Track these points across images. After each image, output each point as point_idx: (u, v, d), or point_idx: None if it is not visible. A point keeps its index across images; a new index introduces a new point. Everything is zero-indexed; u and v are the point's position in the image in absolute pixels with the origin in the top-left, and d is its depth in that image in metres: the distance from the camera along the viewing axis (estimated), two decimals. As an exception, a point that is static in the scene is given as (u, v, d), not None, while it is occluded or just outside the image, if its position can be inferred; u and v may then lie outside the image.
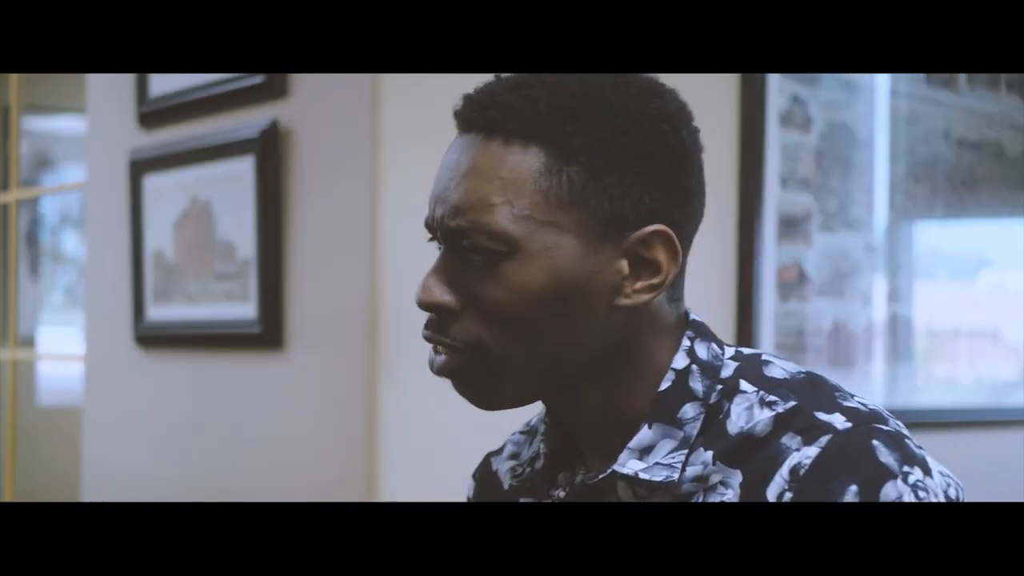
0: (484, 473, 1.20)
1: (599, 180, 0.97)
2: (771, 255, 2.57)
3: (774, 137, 2.57)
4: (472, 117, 1.00)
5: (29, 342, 4.26)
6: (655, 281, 1.00)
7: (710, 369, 1.02)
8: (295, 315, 2.29)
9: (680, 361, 1.02)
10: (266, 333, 2.31)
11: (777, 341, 2.57)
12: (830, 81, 2.68)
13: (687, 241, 1.02)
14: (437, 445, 2.18)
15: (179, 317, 2.54)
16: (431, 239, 1.04)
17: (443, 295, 1.00)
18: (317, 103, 2.26)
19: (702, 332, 1.04)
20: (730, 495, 0.97)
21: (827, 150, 2.68)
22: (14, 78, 3.74)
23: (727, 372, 1.02)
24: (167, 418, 2.61)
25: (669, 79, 1.05)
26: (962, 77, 2.96)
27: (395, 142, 2.15)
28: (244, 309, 2.36)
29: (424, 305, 1.01)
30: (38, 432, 4.11)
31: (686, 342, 1.02)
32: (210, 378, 2.48)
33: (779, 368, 1.02)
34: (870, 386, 2.81)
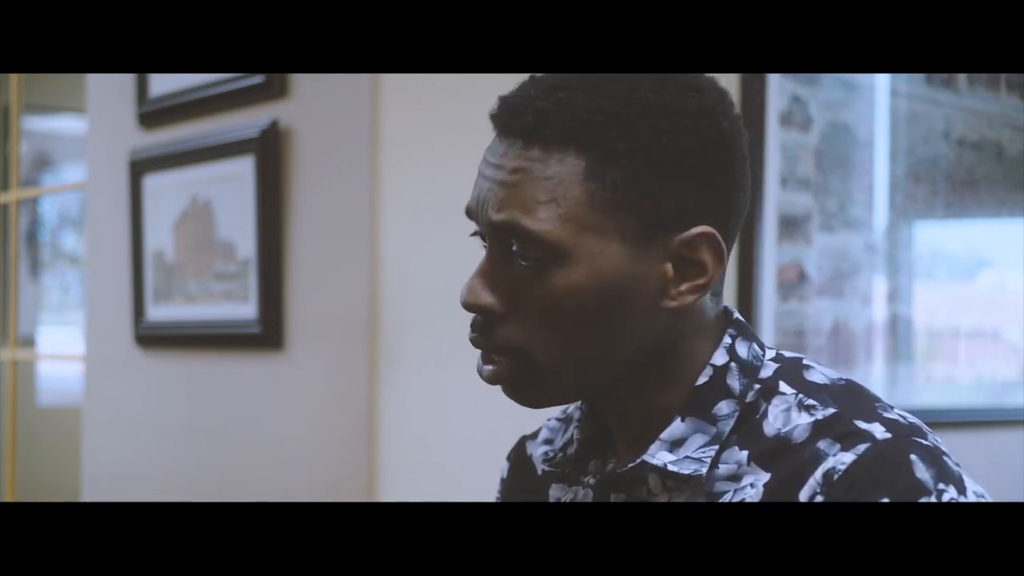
0: (519, 456, 1.20)
1: (642, 183, 0.95)
2: (771, 255, 2.57)
3: (774, 137, 2.57)
4: (509, 123, 0.98)
5: (29, 342, 4.27)
6: (700, 282, 0.98)
7: (749, 368, 1.01)
8: (295, 315, 2.29)
9: (720, 358, 1.01)
10: (266, 333, 2.31)
11: (777, 341, 2.57)
12: (830, 81, 2.68)
13: (732, 236, 1.01)
14: (436, 445, 2.18)
15: (179, 317, 2.54)
16: (474, 233, 1.03)
17: (487, 297, 0.99)
18: (317, 103, 2.26)
19: (744, 331, 1.03)
20: (752, 494, 0.96)
21: (827, 150, 2.68)
22: (14, 78, 3.74)
23: (766, 373, 1.01)
24: (167, 418, 2.61)
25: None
26: (962, 77, 2.96)
27: (395, 142, 2.15)
28: (244, 309, 2.36)
29: (468, 307, 1.00)
30: (38, 432, 4.11)
31: (727, 340, 1.02)
32: (210, 378, 2.48)
33: (819, 373, 1.02)
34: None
